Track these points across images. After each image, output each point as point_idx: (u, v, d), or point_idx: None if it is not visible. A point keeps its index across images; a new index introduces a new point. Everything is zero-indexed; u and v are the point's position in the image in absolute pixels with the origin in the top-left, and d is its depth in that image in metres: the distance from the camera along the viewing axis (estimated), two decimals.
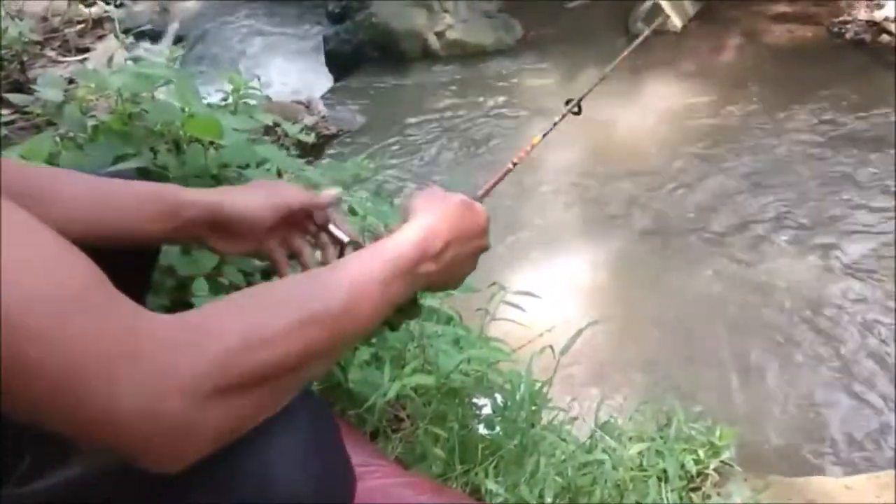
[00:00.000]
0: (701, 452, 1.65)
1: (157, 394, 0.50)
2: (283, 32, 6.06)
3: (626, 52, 1.38)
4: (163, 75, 1.59)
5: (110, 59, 3.32)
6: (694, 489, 1.60)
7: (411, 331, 1.40)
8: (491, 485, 1.28)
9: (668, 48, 4.90)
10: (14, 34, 3.05)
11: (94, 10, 4.02)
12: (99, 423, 0.49)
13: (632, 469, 1.51)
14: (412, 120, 4.38)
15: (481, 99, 4.56)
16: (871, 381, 2.48)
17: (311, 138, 2.38)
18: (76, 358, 0.47)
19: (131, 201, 0.83)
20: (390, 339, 1.40)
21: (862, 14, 5.05)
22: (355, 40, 5.40)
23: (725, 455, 1.67)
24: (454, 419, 1.36)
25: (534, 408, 1.46)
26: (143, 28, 4.78)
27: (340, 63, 5.37)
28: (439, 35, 5.29)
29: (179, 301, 1.32)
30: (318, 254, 0.96)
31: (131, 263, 0.80)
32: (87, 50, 3.62)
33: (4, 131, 2.15)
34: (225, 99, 1.78)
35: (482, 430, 1.42)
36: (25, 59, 3.12)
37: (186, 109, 1.48)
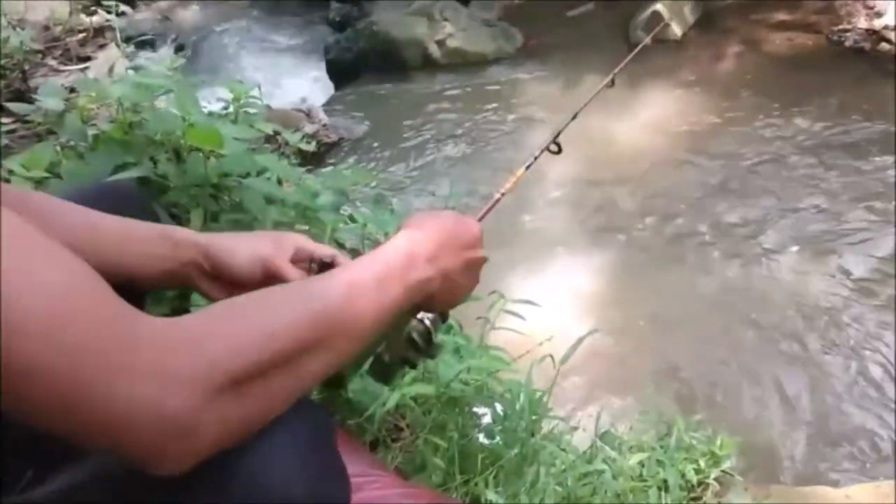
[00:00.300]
0: (701, 462, 1.64)
1: (159, 395, 0.50)
2: (283, 41, 6.08)
3: (618, 69, 1.38)
4: (163, 84, 1.60)
5: (111, 68, 3.34)
6: (695, 499, 1.59)
7: None
8: (491, 495, 1.27)
9: (668, 57, 4.91)
10: (15, 43, 3.07)
11: (95, 19, 4.04)
12: (101, 426, 0.49)
13: (632, 479, 1.51)
14: (412, 128, 4.39)
15: (482, 107, 4.56)
16: (872, 391, 2.48)
17: (311, 147, 2.39)
18: (77, 361, 0.47)
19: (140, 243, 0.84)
20: None
21: (861, 23, 5.06)
22: (356, 49, 5.42)
23: (726, 464, 1.66)
24: (454, 429, 1.35)
25: (534, 417, 1.45)
26: (144, 37, 4.80)
27: (341, 71, 5.39)
28: (440, 43, 5.31)
29: (180, 309, 1.32)
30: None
31: None
32: (88, 59, 3.64)
33: (5, 140, 2.16)
34: (225, 108, 1.79)
35: (482, 439, 1.41)
36: (27, 67, 3.13)
37: (187, 118, 1.48)
